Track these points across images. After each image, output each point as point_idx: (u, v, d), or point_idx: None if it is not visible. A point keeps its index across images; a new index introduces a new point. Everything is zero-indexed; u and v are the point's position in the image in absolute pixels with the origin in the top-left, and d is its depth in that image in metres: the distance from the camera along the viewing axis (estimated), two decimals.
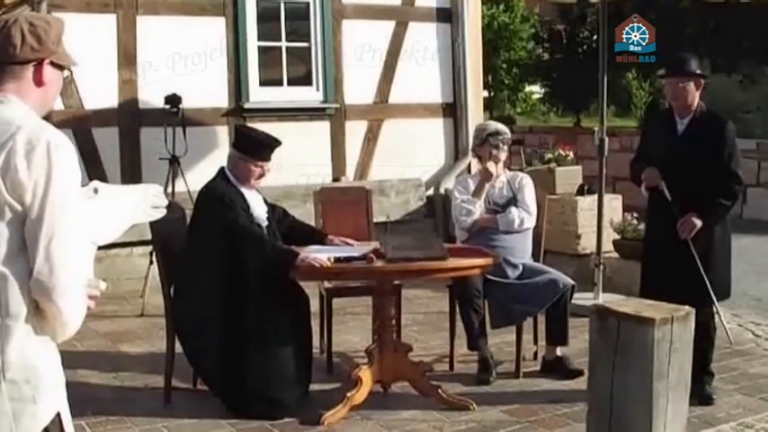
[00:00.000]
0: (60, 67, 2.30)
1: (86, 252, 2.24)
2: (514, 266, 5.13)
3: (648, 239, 5.05)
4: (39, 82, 2.23)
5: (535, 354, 5.37)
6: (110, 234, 2.40)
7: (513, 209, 5.22)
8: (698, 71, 4.75)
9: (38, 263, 2.07)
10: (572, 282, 5.08)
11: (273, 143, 4.70)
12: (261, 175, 4.66)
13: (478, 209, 5.23)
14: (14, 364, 2.09)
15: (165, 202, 2.56)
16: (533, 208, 5.31)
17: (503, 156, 5.34)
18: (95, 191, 2.36)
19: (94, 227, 2.32)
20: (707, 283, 4.55)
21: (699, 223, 4.56)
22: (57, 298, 2.09)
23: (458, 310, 5.09)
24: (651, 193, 4.80)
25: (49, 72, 2.25)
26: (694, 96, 4.68)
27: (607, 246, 7.11)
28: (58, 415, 2.21)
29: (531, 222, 5.29)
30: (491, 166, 5.27)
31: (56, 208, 2.08)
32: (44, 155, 2.08)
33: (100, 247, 2.36)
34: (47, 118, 2.28)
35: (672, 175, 4.64)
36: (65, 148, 2.14)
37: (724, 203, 4.62)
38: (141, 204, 2.49)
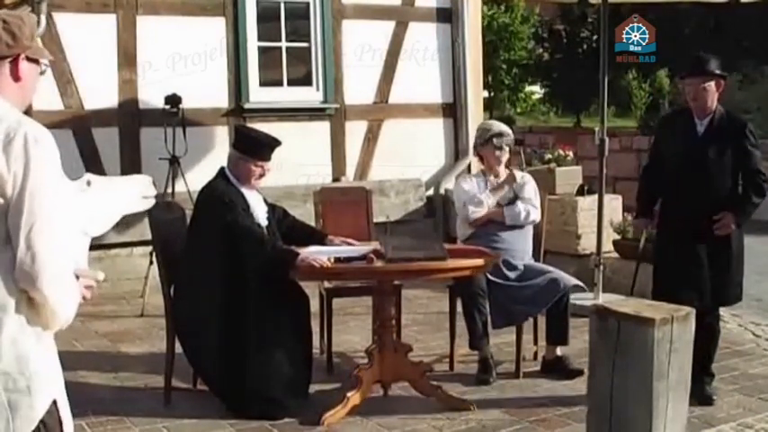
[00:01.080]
0: (36, 62, 2.35)
1: (76, 242, 2.28)
2: (515, 267, 5.13)
3: (660, 243, 4.91)
4: (16, 77, 2.29)
5: (535, 354, 5.37)
6: (103, 224, 2.46)
7: (518, 202, 5.25)
8: (718, 71, 4.66)
9: (20, 252, 2.11)
10: (574, 281, 5.07)
11: (273, 143, 4.70)
12: (261, 175, 4.66)
13: (489, 205, 5.22)
14: (7, 356, 2.13)
15: (155, 192, 2.64)
16: (537, 202, 5.33)
17: (505, 157, 5.34)
18: (88, 183, 2.43)
19: (88, 218, 2.37)
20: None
21: (733, 224, 4.53)
22: (41, 286, 2.13)
23: (461, 309, 5.08)
24: (663, 198, 4.81)
25: (24, 67, 2.31)
26: (714, 97, 4.62)
27: (607, 246, 7.11)
28: (55, 404, 2.23)
29: (536, 215, 5.31)
30: (516, 172, 5.28)
31: (35, 198, 2.13)
32: (21, 147, 2.13)
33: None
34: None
35: (689, 177, 4.60)
36: (43, 141, 2.18)
37: (754, 201, 4.59)
38: (132, 195, 2.56)
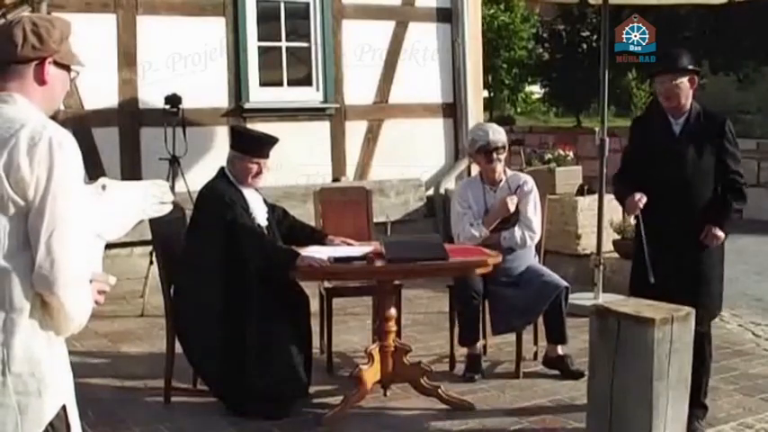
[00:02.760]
0: (65, 67, 2.33)
1: (91, 246, 2.27)
2: (512, 272, 5.08)
3: (642, 253, 4.40)
4: (41, 81, 2.27)
5: (535, 354, 5.36)
6: (118, 229, 2.44)
7: (515, 230, 5.08)
8: (690, 66, 4.33)
9: (39, 256, 2.11)
10: (565, 283, 5.04)
11: (268, 139, 4.69)
12: (258, 173, 4.64)
13: (482, 236, 5.07)
14: (19, 358, 2.13)
15: (172, 198, 2.60)
16: (537, 223, 5.15)
17: (498, 165, 5.16)
18: (103, 187, 2.40)
19: (102, 222, 2.36)
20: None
21: (722, 234, 4.21)
22: (58, 291, 2.12)
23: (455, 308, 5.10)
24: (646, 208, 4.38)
25: (51, 71, 2.28)
26: (688, 95, 4.30)
27: (607, 246, 7.11)
28: (64, 409, 2.24)
29: (535, 239, 5.17)
30: (511, 202, 5.08)
31: (57, 203, 2.12)
32: (46, 151, 2.12)
33: None
34: (53, 117, 2.31)
35: (668, 181, 4.26)
36: (67, 145, 2.17)
37: (735, 207, 4.29)
38: (148, 200, 2.53)
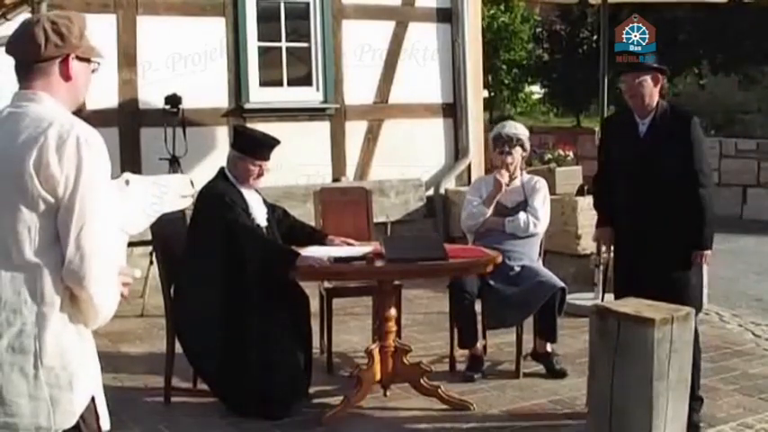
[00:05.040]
0: (87, 61, 2.38)
1: (118, 241, 2.32)
2: (511, 269, 5.09)
3: (619, 264, 4.51)
4: (66, 77, 2.32)
5: None
6: (141, 223, 2.50)
7: (521, 214, 5.17)
8: (655, 65, 4.32)
9: (69, 252, 2.16)
10: (561, 284, 5.04)
11: (271, 142, 4.69)
12: (259, 175, 4.65)
13: (485, 217, 5.17)
14: (51, 351, 2.18)
15: (192, 191, 2.66)
16: (543, 213, 5.23)
17: (510, 159, 5.24)
18: (127, 182, 2.45)
19: (126, 216, 2.41)
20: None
21: (708, 253, 4.19)
22: (88, 285, 2.18)
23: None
24: (615, 209, 4.46)
25: (75, 66, 2.33)
26: (652, 93, 4.24)
27: None
28: (92, 400, 2.29)
29: (539, 228, 5.23)
30: (503, 176, 5.19)
31: (85, 199, 2.17)
32: (74, 149, 2.18)
33: None
34: (79, 112, 2.36)
35: (639, 183, 4.24)
36: (94, 142, 2.23)
37: (705, 220, 4.17)
38: (170, 194, 2.58)
